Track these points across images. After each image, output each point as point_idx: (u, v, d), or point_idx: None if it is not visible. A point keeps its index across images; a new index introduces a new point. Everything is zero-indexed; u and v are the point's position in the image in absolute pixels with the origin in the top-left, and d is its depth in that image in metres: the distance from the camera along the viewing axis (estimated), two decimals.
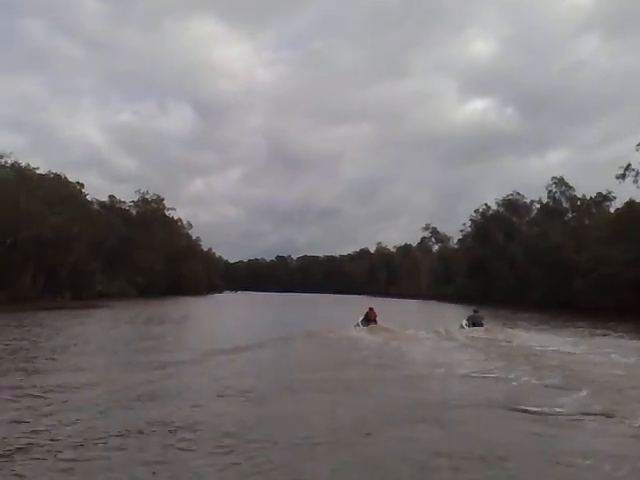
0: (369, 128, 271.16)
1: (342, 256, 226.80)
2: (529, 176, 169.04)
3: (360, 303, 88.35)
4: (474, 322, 27.89)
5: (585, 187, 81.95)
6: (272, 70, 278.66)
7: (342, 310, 60.36)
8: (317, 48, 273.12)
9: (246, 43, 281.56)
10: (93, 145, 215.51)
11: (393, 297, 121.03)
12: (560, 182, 78.94)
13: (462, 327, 27.55)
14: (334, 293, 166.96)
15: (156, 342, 22.82)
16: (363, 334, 25.25)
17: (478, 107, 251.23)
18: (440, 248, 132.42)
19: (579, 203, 77.70)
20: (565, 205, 79.33)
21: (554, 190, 79.57)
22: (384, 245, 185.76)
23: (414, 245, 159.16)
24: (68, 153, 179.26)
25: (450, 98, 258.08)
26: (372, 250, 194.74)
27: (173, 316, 40.75)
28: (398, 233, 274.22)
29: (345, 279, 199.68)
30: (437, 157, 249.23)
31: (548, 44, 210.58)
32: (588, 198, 76.38)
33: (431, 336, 24.65)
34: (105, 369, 15.32)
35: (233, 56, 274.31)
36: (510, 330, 27.61)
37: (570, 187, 78.51)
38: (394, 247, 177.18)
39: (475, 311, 29.76)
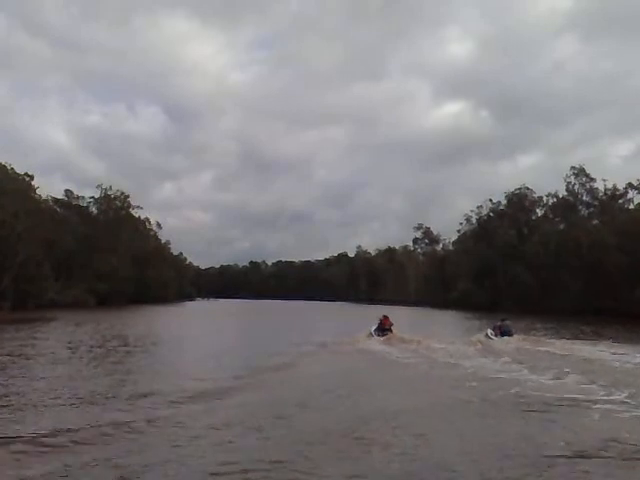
0: (343, 131, 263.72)
1: (319, 261, 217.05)
2: (503, 180, 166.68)
3: (348, 311, 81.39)
4: (503, 331, 26.28)
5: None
6: (245, 71, 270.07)
7: (336, 319, 56.11)
8: (292, 49, 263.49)
9: (219, 43, 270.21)
10: (59, 148, 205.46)
11: (378, 304, 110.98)
12: (580, 173, 69.94)
13: (488, 337, 25.86)
14: (312, 300, 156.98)
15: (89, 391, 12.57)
16: (405, 351, 21.22)
17: (453, 110, 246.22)
18: (432, 250, 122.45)
19: (602, 196, 68.78)
20: (586, 198, 70.43)
21: (573, 182, 70.65)
22: (365, 249, 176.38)
23: (397, 248, 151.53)
24: (31, 156, 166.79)
25: (425, 101, 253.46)
26: (351, 254, 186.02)
27: (132, 334, 28.48)
28: (372, 237, 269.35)
29: (323, 285, 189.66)
30: (411, 161, 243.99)
31: (525, 46, 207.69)
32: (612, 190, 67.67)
33: (473, 350, 21.78)
34: None
35: (205, 56, 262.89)
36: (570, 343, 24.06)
37: (592, 179, 69.71)
38: (376, 250, 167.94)
39: (503, 320, 27.87)
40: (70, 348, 20.86)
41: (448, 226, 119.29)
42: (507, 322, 27.52)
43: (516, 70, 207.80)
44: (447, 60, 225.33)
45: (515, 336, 26.11)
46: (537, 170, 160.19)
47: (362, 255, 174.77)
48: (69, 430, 9.15)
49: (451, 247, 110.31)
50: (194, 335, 33.05)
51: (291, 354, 20.41)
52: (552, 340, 25.48)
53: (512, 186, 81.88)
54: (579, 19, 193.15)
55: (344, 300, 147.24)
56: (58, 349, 20.75)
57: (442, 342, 23.98)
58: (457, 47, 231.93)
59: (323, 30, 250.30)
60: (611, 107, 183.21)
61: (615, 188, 67.01)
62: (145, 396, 12.11)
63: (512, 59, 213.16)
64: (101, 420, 9.86)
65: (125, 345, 22.71)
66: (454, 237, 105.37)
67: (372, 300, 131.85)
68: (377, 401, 12.15)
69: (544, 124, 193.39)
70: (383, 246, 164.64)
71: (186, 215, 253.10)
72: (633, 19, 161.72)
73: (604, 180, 68.32)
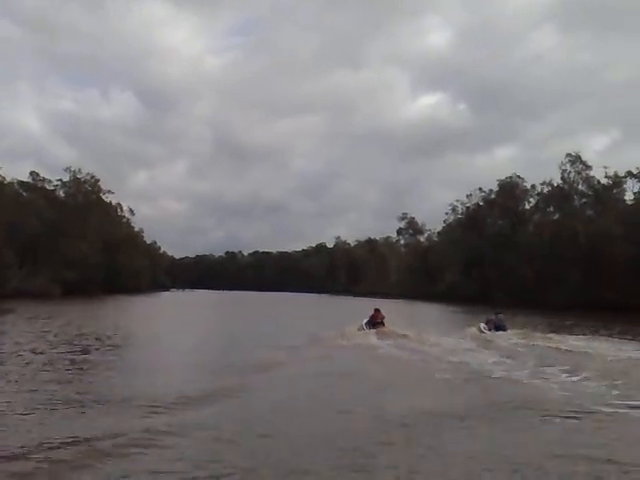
0: (320, 121, 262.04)
1: (297, 252, 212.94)
2: (480, 172, 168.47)
3: (329, 303, 77.88)
4: (497, 326, 25.08)
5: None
6: (221, 57, 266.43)
7: (319, 312, 54.17)
8: (269, 36, 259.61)
9: (194, 27, 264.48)
10: (30, 134, 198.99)
11: (358, 296, 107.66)
12: (576, 159, 67.05)
13: (481, 331, 24.75)
14: (290, 291, 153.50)
15: None
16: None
17: (430, 102, 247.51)
18: (415, 241, 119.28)
19: (597, 185, 66.02)
20: (581, 187, 67.59)
21: (568, 170, 67.68)
22: (344, 239, 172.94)
23: (377, 239, 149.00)
24: (1, 142, 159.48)
25: (403, 91, 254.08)
26: (328, 245, 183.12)
27: (94, 332, 23.13)
28: (348, 229, 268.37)
29: (302, 276, 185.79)
30: (388, 152, 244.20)
31: (504, 37, 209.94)
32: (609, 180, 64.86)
33: (472, 345, 20.49)
34: None
35: (181, 41, 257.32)
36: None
37: (588, 166, 66.83)
38: (355, 241, 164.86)
39: (497, 313, 26.66)
40: (4, 353, 16.56)
41: (425, 218, 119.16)
42: (501, 316, 26.34)
43: (494, 61, 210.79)
44: (426, 50, 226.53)
45: (509, 331, 24.82)
46: (513, 163, 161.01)
47: (341, 246, 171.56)
48: None
49: (435, 238, 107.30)
50: (170, 330, 29.09)
51: (279, 351, 18.52)
52: (553, 335, 23.59)
53: (489, 178, 79.41)
54: (558, 11, 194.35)
55: (322, 292, 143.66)
56: None
57: (437, 336, 22.70)
58: (436, 37, 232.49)
59: (301, 17, 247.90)
60: (588, 100, 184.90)
61: (616, 176, 64.02)
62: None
63: (490, 50, 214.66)
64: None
65: (81, 351, 17.94)
66: (438, 228, 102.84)
67: (351, 292, 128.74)
68: (386, 408, 10.31)
69: (521, 117, 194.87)
70: (360, 237, 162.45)
71: (160, 204, 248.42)
72: (611, 11, 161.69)
73: (605, 167, 65.39)
